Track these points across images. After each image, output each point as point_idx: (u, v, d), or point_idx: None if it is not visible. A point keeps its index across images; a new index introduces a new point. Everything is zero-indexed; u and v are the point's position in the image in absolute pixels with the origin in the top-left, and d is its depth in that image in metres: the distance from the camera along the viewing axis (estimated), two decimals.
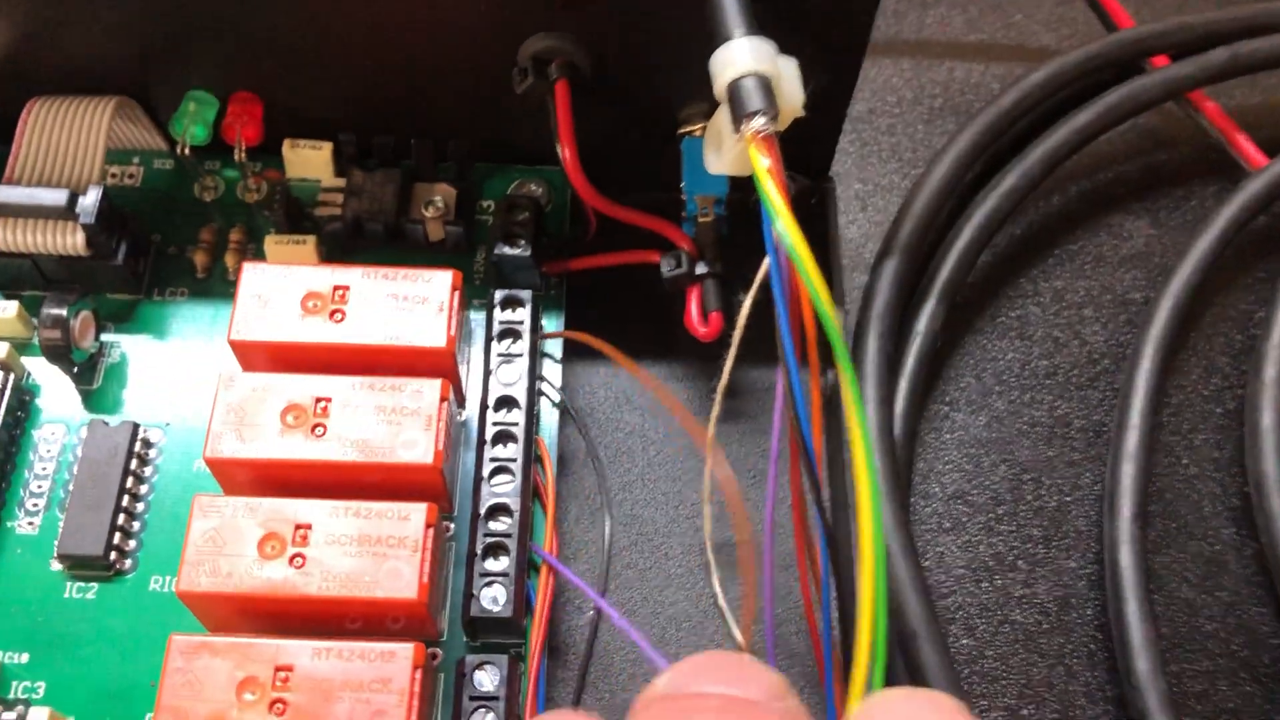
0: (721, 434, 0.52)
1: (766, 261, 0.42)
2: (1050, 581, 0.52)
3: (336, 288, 0.48)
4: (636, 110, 0.53)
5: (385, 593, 0.42)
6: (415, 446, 0.45)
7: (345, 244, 0.54)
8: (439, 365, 0.48)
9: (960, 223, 0.55)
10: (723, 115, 0.46)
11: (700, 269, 0.52)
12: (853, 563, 0.42)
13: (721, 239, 0.53)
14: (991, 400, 0.56)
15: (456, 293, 0.48)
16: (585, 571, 0.50)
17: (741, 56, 0.42)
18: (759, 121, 0.41)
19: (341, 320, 0.47)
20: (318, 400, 0.46)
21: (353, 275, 0.48)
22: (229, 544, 0.43)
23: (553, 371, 0.52)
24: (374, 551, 0.43)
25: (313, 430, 0.45)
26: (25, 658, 0.46)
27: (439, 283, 0.48)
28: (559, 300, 0.54)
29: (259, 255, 0.54)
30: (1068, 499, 0.54)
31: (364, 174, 0.54)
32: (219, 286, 0.54)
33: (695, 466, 0.53)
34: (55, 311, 0.49)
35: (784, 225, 0.39)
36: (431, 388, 0.46)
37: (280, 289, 0.48)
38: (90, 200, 0.49)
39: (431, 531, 0.44)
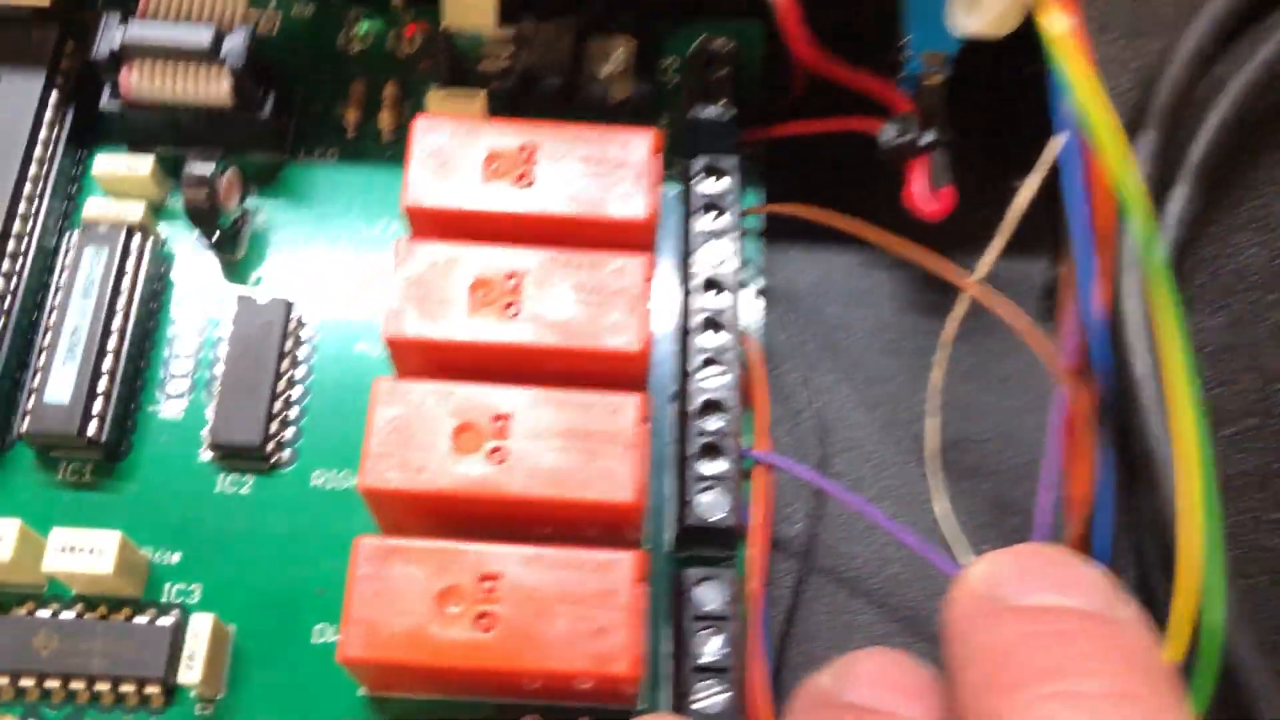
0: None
1: (1057, 141, 0.36)
2: None
3: (523, 148, 0.42)
4: None
5: (597, 494, 0.37)
6: (621, 331, 0.39)
7: (514, 102, 0.48)
8: (639, 239, 0.42)
9: (1216, 95, 0.48)
10: None
11: (927, 137, 0.46)
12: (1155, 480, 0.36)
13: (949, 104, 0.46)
14: (1232, 301, 0.50)
15: (656, 156, 0.42)
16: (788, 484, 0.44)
17: None
18: None
19: (529, 185, 0.41)
20: (508, 276, 0.40)
21: (541, 134, 0.42)
22: (418, 435, 0.38)
23: (751, 252, 0.46)
24: (583, 447, 0.38)
25: (505, 309, 0.39)
26: (177, 557, 0.41)
27: (637, 145, 0.42)
28: (756, 174, 0.48)
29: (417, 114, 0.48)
30: None
31: (534, 23, 0.47)
32: (371, 148, 0.48)
33: (910, 366, 0.47)
34: (199, 168, 0.43)
35: (1088, 103, 0.33)
36: (634, 266, 0.40)
37: (459, 147, 0.42)
38: (238, 41, 0.43)
39: (646, 427, 0.38)
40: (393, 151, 0.48)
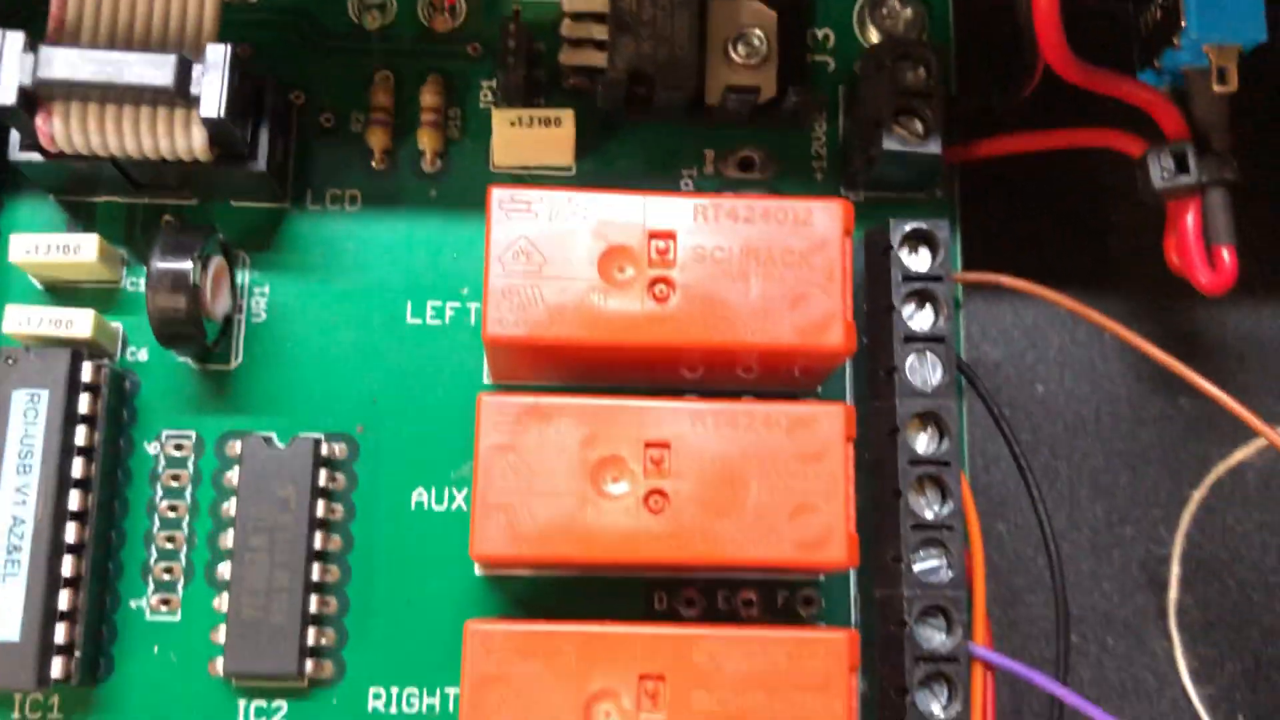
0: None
1: None
2: None
3: (654, 235, 0.29)
4: None
5: None
6: (821, 538, 0.28)
7: (614, 117, 0.34)
8: (825, 367, 0.30)
9: None
10: None
11: (1205, 173, 0.33)
12: None
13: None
14: None
15: (847, 238, 0.29)
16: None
17: None
18: None
19: (668, 299, 0.29)
20: (649, 448, 0.28)
21: (678, 213, 0.29)
22: None
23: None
24: None
25: (646, 500, 0.28)
26: None
27: (822, 224, 0.29)
28: (949, 199, 0.35)
29: (469, 131, 0.34)
30: None
31: None
32: (409, 183, 0.34)
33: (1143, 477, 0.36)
34: (173, 266, 0.29)
35: None
36: (831, 423, 0.28)
37: (560, 237, 0.29)
38: (213, 77, 0.29)
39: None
40: (439, 189, 0.34)
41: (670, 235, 0.29)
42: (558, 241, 0.29)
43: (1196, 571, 0.36)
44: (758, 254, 0.29)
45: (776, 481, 0.28)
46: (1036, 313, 0.37)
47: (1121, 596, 0.36)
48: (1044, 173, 0.37)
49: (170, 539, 0.32)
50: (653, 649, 0.28)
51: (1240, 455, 0.33)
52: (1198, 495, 0.34)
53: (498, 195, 0.29)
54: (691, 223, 0.29)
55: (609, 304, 0.29)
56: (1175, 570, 0.35)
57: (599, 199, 0.29)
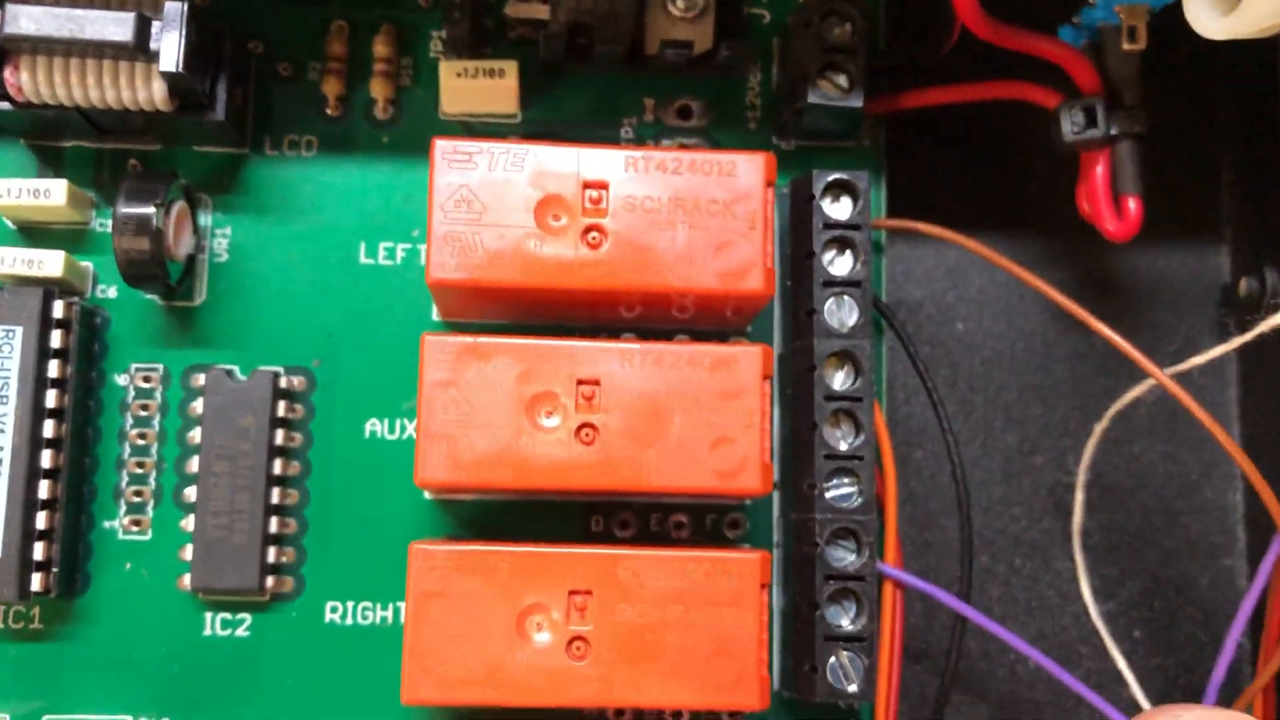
0: None
1: None
2: None
3: (588, 185, 0.31)
4: None
5: None
6: (738, 466, 0.30)
7: (556, 70, 0.36)
8: (749, 309, 0.32)
9: None
10: None
11: (1115, 126, 0.35)
12: None
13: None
14: None
15: (770, 189, 0.31)
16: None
17: None
18: None
19: (601, 245, 0.31)
20: (580, 384, 0.30)
21: (611, 164, 0.31)
22: None
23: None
24: None
25: (577, 433, 0.30)
26: None
27: (746, 176, 0.32)
28: (875, 152, 0.37)
29: (420, 80, 0.36)
30: None
31: None
32: (363, 130, 0.36)
33: (1056, 407, 0.38)
34: (139, 210, 0.31)
35: None
36: (750, 363, 0.31)
37: (498, 186, 0.31)
38: (171, 33, 0.31)
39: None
40: (390, 136, 0.36)
41: (603, 185, 0.31)
42: (497, 190, 0.31)
43: (1102, 497, 0.39)
44: (685, 204, 0.31)
45: (698, 416, 0.31)
46: (958, 255, 0.39)
47: (1030, 520, 0.39)
48: (968, 123, 0.39)
49: (140, 465, 0.34)
50: (581, 567, 0.30)
51: (1138, 390, 0.35)
52: (1099, 427, 0.36)
53: (440, 146, 0.31)
54: (623, 174, 0.31)
55: (544, 250, 0.31)
56: (1080, 496, 0.37)
57: (536, 150, 0.31)
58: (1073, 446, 0.39)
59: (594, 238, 0.31)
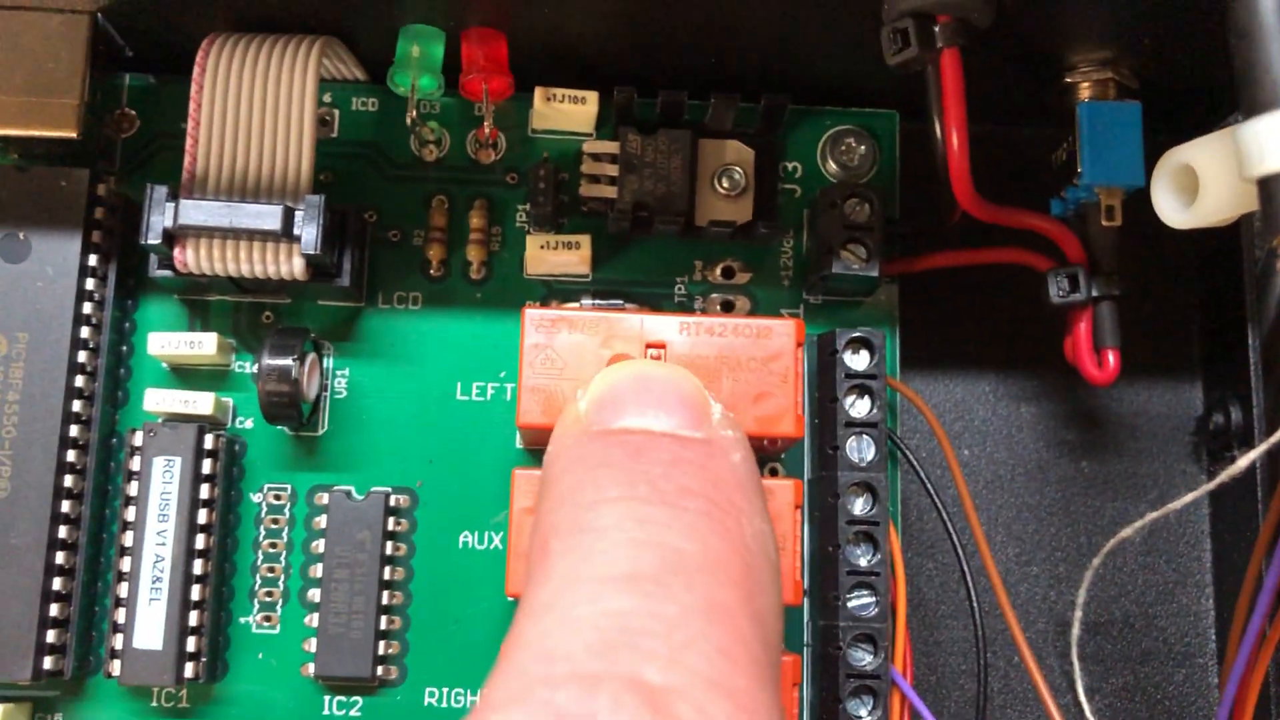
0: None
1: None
2: None
3: (650, 345, 0.37)
4: (1018, 67, 0.40)
5: None
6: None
7: (622, 238, 0.42)
8: (781, 450, 0.38)
9: None
10: (1205, 155, 0.34)
11: (1096, 289, 0.41)
12: None
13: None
14: None
15: (800, 350, 0.38)
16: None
17: None
18: None
19: None
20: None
21: (668, 329, 0.38)
22: None
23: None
24: None
25: None
26: None
27: (780, 339, 0.38)
28: (889, 306, 0.43)
29: (507, 245, 0.43)
30: None
31: (641, 138, 0.41)
32: (459, 288, 0.42)
33: (1049, 528, 0.44)
34: (281, 363, 0.38)
35: None
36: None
37: (576, 346, 0.37)
38: (310, 224, 0.38)
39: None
40: (483, 292, 0.42)
41: (662, 345, 0.37)
42: (575, 350, 0.37)
43: (1088, 603, 0.44)
44: (729, 361, 0.38)
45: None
46: (964, 391, 0.46)
47: (1026, 623, 0.44)
48: (973, 280, 0.45)
49: (270, 570, 0.41)
50: None
51: (1126, 533, 0.41)
52: (1095, 562, 0.42)
53: (529, 315, 0.37)
54: (678, 336, 0.38)
55: None
56: (1078, 614, 0.43)
57: (607, 318, 0.37)
58: (1064, 559, 0.44)
59: None
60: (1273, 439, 0.34)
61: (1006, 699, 0.44)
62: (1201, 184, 0.35)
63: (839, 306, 0.43)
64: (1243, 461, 0.34)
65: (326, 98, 0.43)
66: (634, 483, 0.29)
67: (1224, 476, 0.35)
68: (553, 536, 0.29)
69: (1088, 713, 0.43)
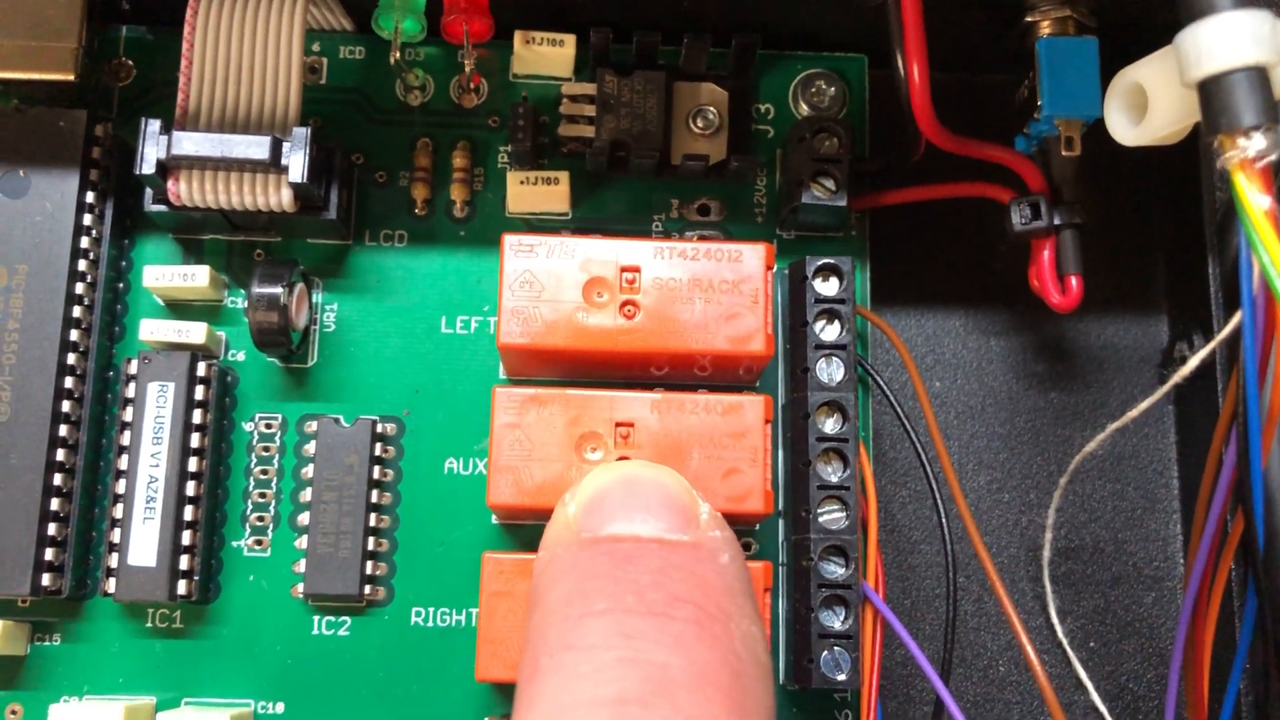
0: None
1: (1237, 319, 0.33)
2: None
3: (624, 270, 0.39)
4: (981, 10, 0.42)
5: None
6: (746, 493, 0.37)
7: (600, 175, 0.44)
8: (752, 369, 0.39)
9: None
10: (1152, 70, 0.36)
11: (1058, 218, 0.42)
12: None
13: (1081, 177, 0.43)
14: None
15: (770, 272, 0.39)
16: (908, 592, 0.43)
17: (1233, 41, 0.31)
18: (1257, 144, 0.30)
19: (635, 316, 0.38)
20: (618, 426, 0.37)
21: (642, 253, 0.39)
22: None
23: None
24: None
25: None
26: (280, 707, 0.40)
27: (750, 262, 0.39)
28: (861, 240, 0.44)
29: (490, 185, 0.44)
30: None
31: (617, 78, 0.43)
32: (443, 226, 0.44)
33: (1020, 456, 0.45)
34: (270, 291, 0.40)
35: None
36: (751, 410, 0.38)
37: (556, 271, 0.38)
38: (298, 153, 0.39)
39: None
40: (466, 230, 0.44)
41: (636, 269, 0.39)
42: (552, 274, 0.39)
43: (1059, 529, 0.45)
44: (701, 283, 0.39)
45: (712, 452, 0.38)
46: (935, 325, 0.47)
47: (999, 548, 0.45)
48: (941, 215, 0.46)
49: (262, 495, 0.42)
50: None
51: (1090, 447, 0.42)
52: (1063, 481, 0.43)
53: (509, 240, 0.39)
54: (652, 260, 0.39)
55: (590, 320, 0.38)
56: (1049, 535, 0.44)
57: (584, 242, 0.39)
58: (1034, 486, 0.45)
59: (629, 310, 0.38)
60: (1222, 334, 0.35)
61: (981, 621, 0.45)
62: (1150, 99, 0.36)
63: (811, 241, 0.44)
64: (1193, 360, 0.35)
65: (315, 47, 0.45)
66: (621, 593, 0.29)
67: (1176, 378, 0.36)
68: (542, 653, 0.29)
69: (1059, 633, 0.44)
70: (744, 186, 0.45)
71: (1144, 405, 0.40)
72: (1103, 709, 0.44)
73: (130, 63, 0.44)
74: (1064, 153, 0.42)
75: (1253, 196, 0.31)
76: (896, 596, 0.45)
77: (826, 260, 0.41)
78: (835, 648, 0.38)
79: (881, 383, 0.43)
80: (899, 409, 0.42)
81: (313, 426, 0.42)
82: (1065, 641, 0.44)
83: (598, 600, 0.29)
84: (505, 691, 0.40)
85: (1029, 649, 0.39)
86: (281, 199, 0.40)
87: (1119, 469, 0.45)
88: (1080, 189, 0.43)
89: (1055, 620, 0.44)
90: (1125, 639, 0.44)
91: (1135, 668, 0.44)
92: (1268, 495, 0.37)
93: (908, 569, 0.45)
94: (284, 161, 0.39)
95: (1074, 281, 0.42)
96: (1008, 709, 0.44)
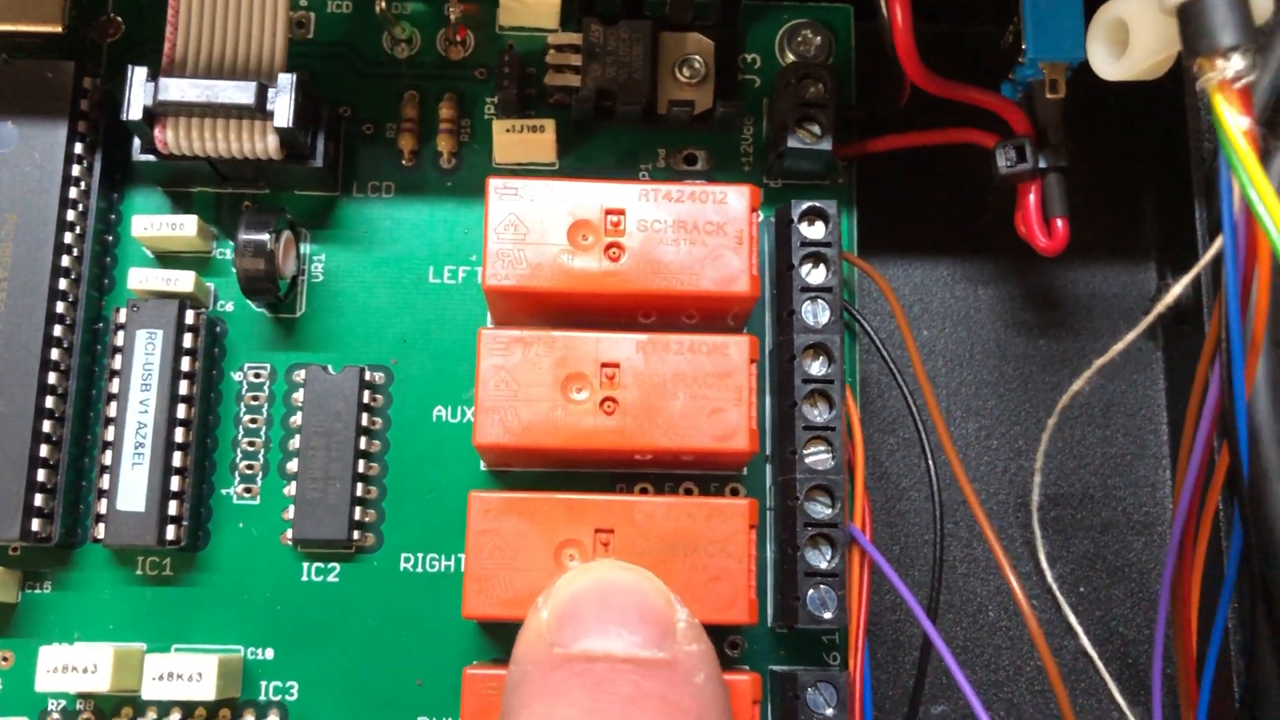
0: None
1: (1218, 244, 0.33)
2: None
3: (609, 212, 0.38)
4: None
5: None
6: (730, 431, 0.37)
7: (586, 124, 0.44)
8: (738, 311, 0.39)
9: None
10: (1133, 3, 0.36)
11: (1043, 161, 0.42)
12: None
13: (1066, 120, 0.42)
14: None
15: (755, 214, 0.39)
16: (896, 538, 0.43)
17: None
18: (1236, 65, 0.30)
19: (620, 258, 0.38)
20: (604, 367, 0.37)
21: (627, 196, 0.39)
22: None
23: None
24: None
25: (601, 405, 0.37)
26: (270, 653, 0.40)
27: (735, 204, 0.39)
28: (848, 188, 0.44)
29: (477, 136, 0.44)
30: None
31: (603, 28, 0.43)
32: (431, 176, 0.44)
33: (1008, 403, 0.45)
34: (256, 237, 0.40)
35: (1266, 212, 0.29)
36: (737, 349, 0.38)
37: (540, 214, 0.38)
38: (283, 98, 0.39)
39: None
40: (453, 181, 0.44)
41: (621, 212, 0.39)
42: (537, 217, 0.38)
43: (1049, 476, 0.45)
44: (686, 225, 0.39)
45: (698, 391, 0.38)
46: (923, 275, 0.47)
47: (987, 495, 0.45)
48: (930, 163, 0.46)
49: (251, 443, 0.42)
50: (605, 511, 0.37)
51: (1077, 385, 0.42)
52: (1051, 422, 0.43)
53: (494, 183, 0.39)
54: (637, 202, 0.39)
55: (575, 263, 0.38)
56: (1037, 479, 0.44)
57: (568, 185, 0.39)
58: (1022, 433, 0.45)
59: (614, 252, 0.38)
60: (1205, 258, 0.35)
61: (970, 567, 0.45)
62: (1131, 30, 0.36)
63: (797, 190, 0.44)
64: (1176, 289, 0.35)
65: (303, 1, 0.45)
66: None
67: (1159, 307, 0.36)
68: None
69: (1049, 579, 0.44)
70: (731, 136, 0.45)
71: (1129, 338, 0.40)
72: (1092, 653, 0.43)
73: (119, 19, 0.44)
74: (1048, 95, 0.42)
75: (1231, 118, 0.31)
76: (885, 543, 0.44)
77: (812, 204, 0.41)
78: (821, 586, 0.38)
79: (869, 329, 0.43)
80: (886, 355, 0.42)
81: (301, 375, 0.41)
82: (1055, 587, 0.44)
83: None
84: (491, 632, 0.40)
85: (1019, 593, 0.39)
86: (268, 145, 0.40)
87: (1108, 415, 0.45)
88: (1065, 132, 0.43)
89: (1045, 566, 0.44)
90: (1115, 584, 0.44)
91: (1125, 612, 0.44)
92: (1252, 426, 0.37)
93: (896, 515, 0.45)
94: (269, 107, 0.39)
95: (1060, 224, 0.42)
96: (997, 653, 0.44)
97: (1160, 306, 0.36)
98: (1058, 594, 0.44)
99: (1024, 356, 0.46)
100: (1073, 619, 0.43)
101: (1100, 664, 0.43)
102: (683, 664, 0.30)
